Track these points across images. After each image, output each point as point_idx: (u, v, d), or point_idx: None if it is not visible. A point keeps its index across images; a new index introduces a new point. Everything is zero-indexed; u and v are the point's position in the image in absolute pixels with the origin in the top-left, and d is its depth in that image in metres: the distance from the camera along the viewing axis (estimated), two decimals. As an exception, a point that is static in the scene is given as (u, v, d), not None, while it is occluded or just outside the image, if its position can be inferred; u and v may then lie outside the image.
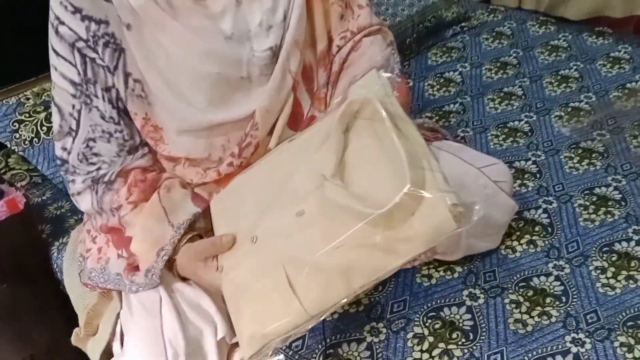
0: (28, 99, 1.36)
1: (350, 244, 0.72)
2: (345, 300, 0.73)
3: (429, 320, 0.99)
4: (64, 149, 0.95)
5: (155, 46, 0.90)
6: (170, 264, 0.93)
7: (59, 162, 0.97)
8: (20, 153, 1.33)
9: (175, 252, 0.91)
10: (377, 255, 0.72)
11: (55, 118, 0.94)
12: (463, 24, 1.91)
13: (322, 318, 0.75)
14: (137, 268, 0.93)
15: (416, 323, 0.99)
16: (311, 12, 0.99)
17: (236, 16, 0.92)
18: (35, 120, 1.33)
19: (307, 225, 0.77)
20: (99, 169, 0.94)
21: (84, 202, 0.97)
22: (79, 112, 0.92)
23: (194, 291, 0.95)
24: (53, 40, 0.90)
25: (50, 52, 0.91)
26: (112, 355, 1.01)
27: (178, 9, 0.89)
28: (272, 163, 0.90)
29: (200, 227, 0.97)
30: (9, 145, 1.33)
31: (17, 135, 1.31)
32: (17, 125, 1.32)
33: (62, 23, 0.88)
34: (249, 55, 0.92)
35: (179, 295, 0.95)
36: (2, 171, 1.40)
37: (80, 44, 0.88)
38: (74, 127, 0.93)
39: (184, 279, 0.95)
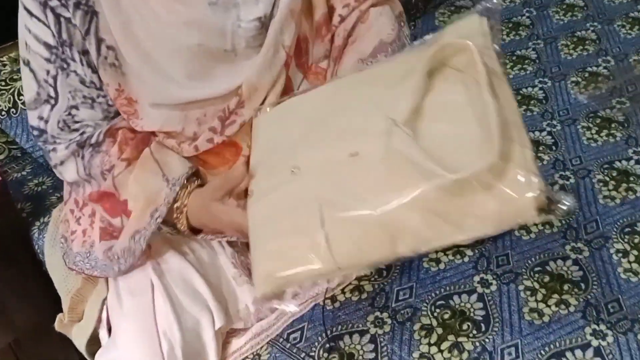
0: (4, 65, 1.27)
1: (409, 204, 0.63)
2: (380, 263, 0.66)
3: (437, 310, 0.92)
4: (41, 117, 0.87)
5: (133, 13, 0.81)
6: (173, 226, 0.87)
7: (35, 132, 0.88)
8: (-3, 125, 1.25)
9: (170, 212, 0.84)
10: (437, 223, 0.63)
11: (31, 84, 0.86)
12: (472, -20, 1.79)
13: (349, 275, 0.66)
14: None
15: (423, 313, 0.92)
16: None
17: None
18: (12, 89, 1.24)
19: (360, 168, 0.68)
20: (82, 133, 0.87)
21: (69, 172, 0.89)
22: (55, 78, 0.84)
23: (186, 270, 0.90)
24: None
25: (22, 11, 0.83)
26: (98, 342, 0.95)
27: None
28: (335, 91, 0.80)
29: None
30: (-17, 117, 1.24)
31: (-7, 106, 1.23)
32: (-8, 94, 1.23)
33: None
34: (234, 26, 0.83)
35: (171, 279, 0.89)
36: (-22, 145, 1.31)
37: (54, 3, 0.80)
38: (52, 94, 0.85)
39: (196, 231, 0.88)
